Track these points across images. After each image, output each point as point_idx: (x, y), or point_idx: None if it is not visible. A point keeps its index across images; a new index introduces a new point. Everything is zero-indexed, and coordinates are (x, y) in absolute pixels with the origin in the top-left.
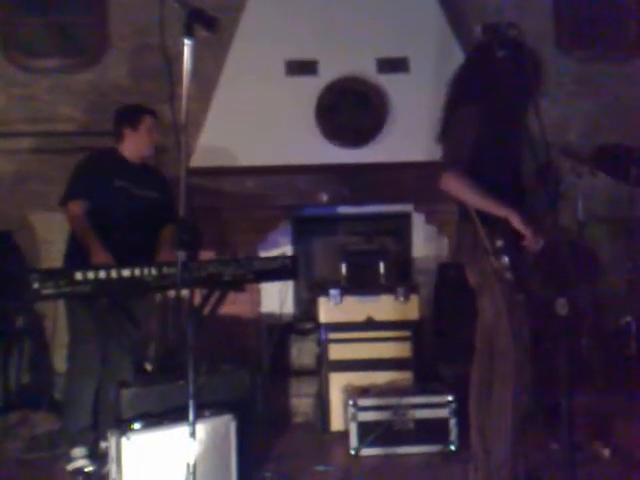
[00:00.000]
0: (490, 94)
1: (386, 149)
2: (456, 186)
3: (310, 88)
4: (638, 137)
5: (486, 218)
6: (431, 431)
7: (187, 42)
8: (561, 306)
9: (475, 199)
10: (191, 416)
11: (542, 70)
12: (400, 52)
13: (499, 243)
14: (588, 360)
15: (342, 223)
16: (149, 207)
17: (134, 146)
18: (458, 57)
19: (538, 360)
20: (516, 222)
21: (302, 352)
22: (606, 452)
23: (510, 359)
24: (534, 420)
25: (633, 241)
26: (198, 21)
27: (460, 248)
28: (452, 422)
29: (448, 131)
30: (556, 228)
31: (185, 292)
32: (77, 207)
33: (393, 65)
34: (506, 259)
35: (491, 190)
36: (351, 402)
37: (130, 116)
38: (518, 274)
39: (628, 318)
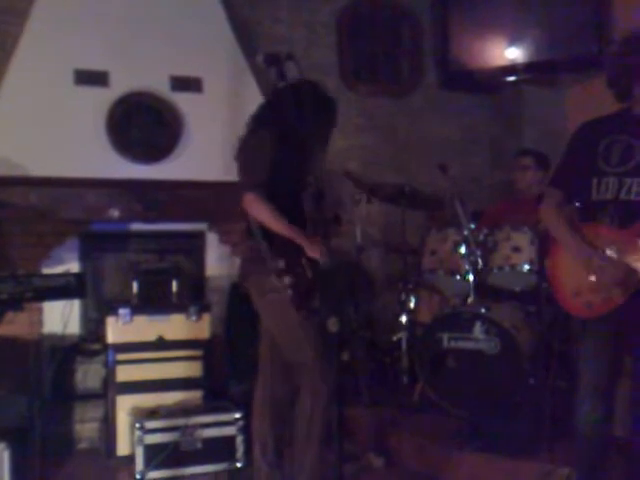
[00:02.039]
0: (277, 120)
1: (180, 167)
2: (257, 208)
3: (101, 100)
4: (408, 167)
5: (271, 239)
6: (218, 449)
7: None
8: (332, 324)
9: (272, 221)
10: None
11: (332, 104)
12: (193, 72)
13: (280, 264)
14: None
15: (134, 240)
16: None
17: None
18: (249, 80)
19: None
20: (307, 246)
21: (88, 375)
22: (379, 462)
23: (316, 371)
24: None
25: (405, 263)
26: None
27: (245, 267)
28: (239, 439)
29: (243, 153)
30: (331, 251)
31: None
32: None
33: (186, 84)
34: (287, 279)
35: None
36: (138, 425)
37: None
38: (299, 292)
39: (400, 334)
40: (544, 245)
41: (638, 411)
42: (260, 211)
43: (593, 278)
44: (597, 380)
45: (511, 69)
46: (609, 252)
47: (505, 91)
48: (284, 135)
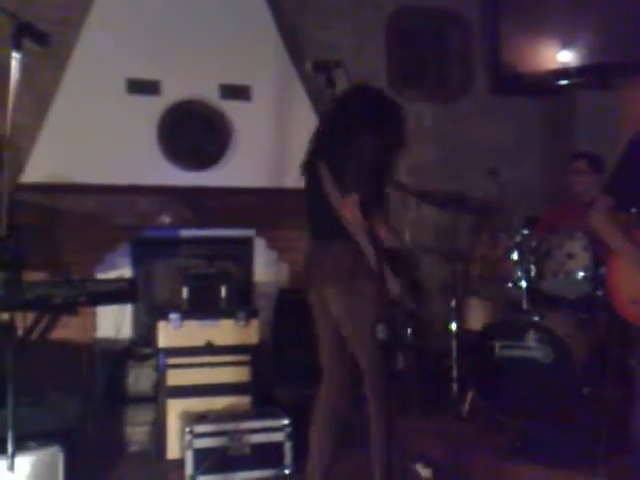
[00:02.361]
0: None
1: (229, 174)
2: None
3: (152, 108)
4: (458, 172)
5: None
6: (267, 455)
7: (15, 55)
8: (380, 330)
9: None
10: (10, 448)
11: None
12: (242, 80)
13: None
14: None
15: (184, 246)
16: None
17: None
18: (298, 87)
19: None
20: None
21: (139, 378)
22: (428, 472)
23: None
24: None
25: (454, 269)
26: (27, 35)
27: (335, 269)
28: (287, 445)
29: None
30: None
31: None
32: None
33: (235, 92)
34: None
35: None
36: (188, 429)
37: None
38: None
39: (450, 343)
40: (599, 251)
41: None
42: None
43: None
44: None
45: (563, 72)
46: None
47: (557, 95)
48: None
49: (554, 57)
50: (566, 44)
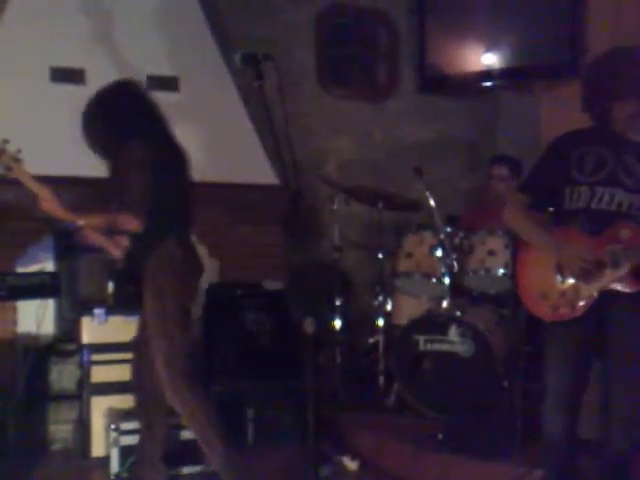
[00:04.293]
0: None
1: None
2: None
3: (76, 97)
4: (386, 170)
5: None
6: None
7: None
8: (309, 324)
9: None
10: None
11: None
12: (170, 71)
13: None
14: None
15: None
16: None
17: None
18: (227, 81)
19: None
20: None
21: (62, 375)
22: (354, 465)
23: None
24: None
25: (381, 266)
26: None
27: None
28: None
29: None
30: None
31: None
32: None
33: (163, 83)
34: None
35: None
36: (113, 426)
37: None
38: None
39: (377, 337)
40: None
41: (608, 417)
42: None
43: (559, 277)
44: (561, 384)
45: (487, 74)
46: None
47: (482, 96)
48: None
49: (478, 59)
50: (490, 47)
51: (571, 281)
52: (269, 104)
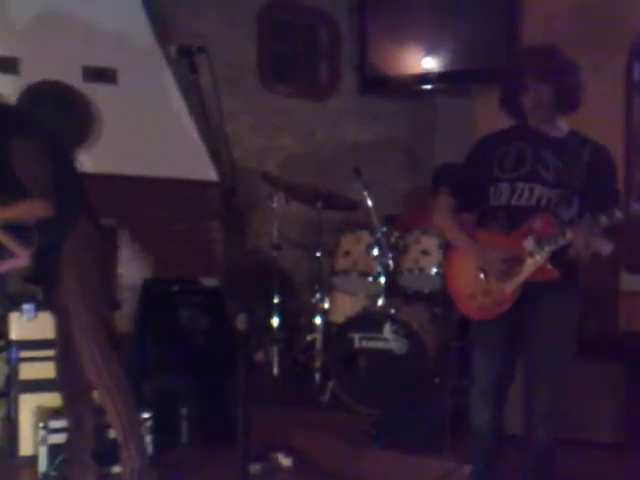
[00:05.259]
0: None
1: (92, 159)
2: None
3: (9, 87)
4: (326, 169)
5: None
6: None
7: None
8: (241, 321)
9: None
10: None
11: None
12: (108, 63)
13: None
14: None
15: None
16: None
17: None
18: (165, 73)
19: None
20: None
21: None
22: (288, 461)
23: None
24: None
25: (320, 264)
26: None
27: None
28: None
29: None
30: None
31: None
32: None
33: (100, 75)
34: None
35: None
36: (42, 424)
37: None
38: None
39: (314, 335)
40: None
41: (530, 412)
42: None
43: (482, 276)
44: (487, 381)
45: (426, 78)
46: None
47: (420, 99)
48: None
49: (418, 62)
50: (430, 50)
51: (494, 279)
52: (204, 98)
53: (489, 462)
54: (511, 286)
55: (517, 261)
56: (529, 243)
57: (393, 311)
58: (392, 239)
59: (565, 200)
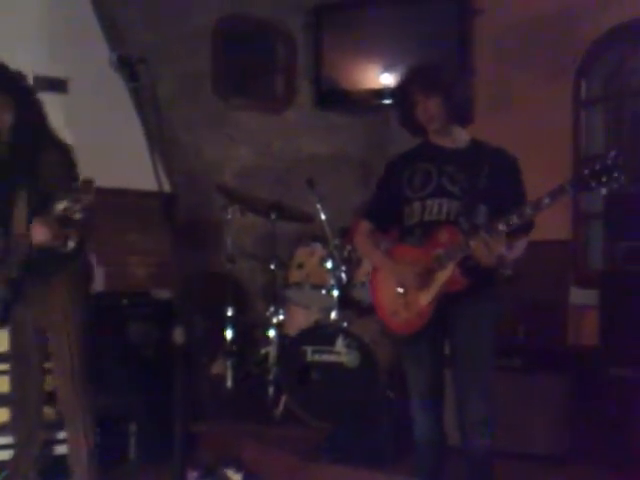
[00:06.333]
0: None
1: None
2: None
3: None
4: (281, 182)
5: None
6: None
7: None
8: (178, 334)
9: None
10: None
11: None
12: (59, 72)
13: None
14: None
15: None
16: None
17: None
18: (118, 84)
19: None
20: None
21: None
22: (238, 477)
23: None
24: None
25: (274, 276)
26: None
27: None
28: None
29: None
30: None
31: None
32: None
33: (51, 84)
34: None
35: None
36: None
37: None
38: None
39: (268, 348)
40: None
41: (462, 420)
42: None
43: (401, 290)
44: (421, 392)
45: (380, 93)
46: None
47: (375, 114)
48: None
49: (373, 77)
50: (386, 66)
51: (411, 293)
52: (144, 106)
53: (433, 474)
54: (427, 297)
55: (430, 273)
56: (437, 255)
57: (345, 324)
58: (345, 252)
59: (472, 209)
